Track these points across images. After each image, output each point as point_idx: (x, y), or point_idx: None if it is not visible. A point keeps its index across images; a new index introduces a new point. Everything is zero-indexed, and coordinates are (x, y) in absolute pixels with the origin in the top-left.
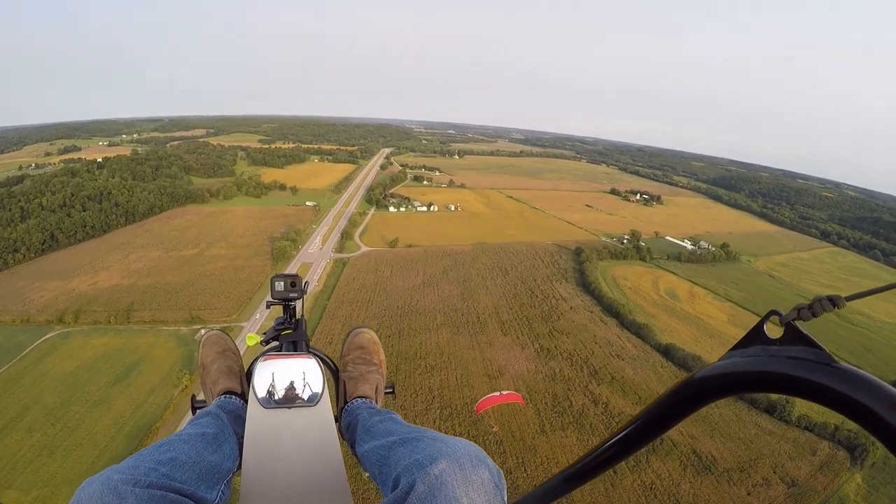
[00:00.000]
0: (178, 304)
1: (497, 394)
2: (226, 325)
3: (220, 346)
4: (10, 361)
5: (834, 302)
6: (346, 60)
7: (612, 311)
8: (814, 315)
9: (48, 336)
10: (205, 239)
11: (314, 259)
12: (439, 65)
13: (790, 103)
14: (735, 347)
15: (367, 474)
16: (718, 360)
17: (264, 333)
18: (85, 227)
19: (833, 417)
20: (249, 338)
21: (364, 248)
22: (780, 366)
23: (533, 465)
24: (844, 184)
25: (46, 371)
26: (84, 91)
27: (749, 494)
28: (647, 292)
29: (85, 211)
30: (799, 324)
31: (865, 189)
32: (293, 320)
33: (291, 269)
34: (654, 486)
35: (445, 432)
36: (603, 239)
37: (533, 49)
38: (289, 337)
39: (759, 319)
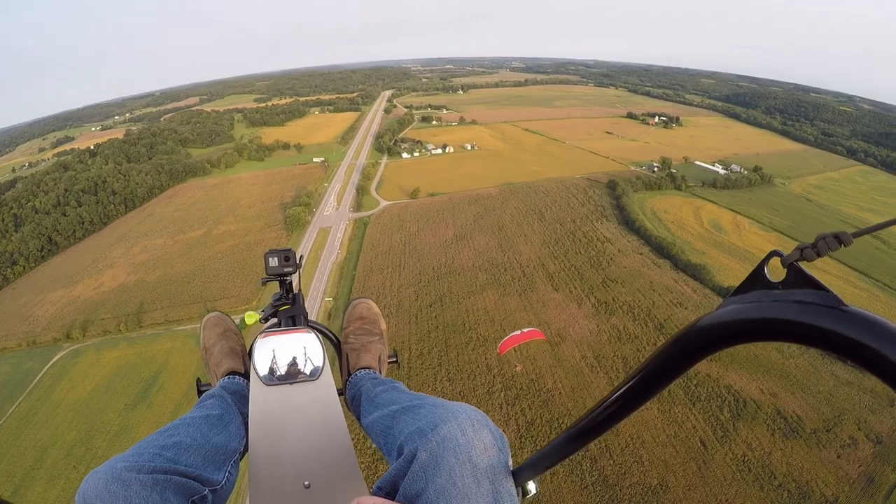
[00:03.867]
0: (190, 296)
1: (518, 332)
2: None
3: (221, 328)
4: (21, 395)
5: (840, 239)
6: (335, 4)
7: (662, 251)
8: (818, 254)
9: (57, 357)
10: (211, 216)
11: (332, 222)
12: None
13: (796, 12)
14: (734, 293)
15: (373, 445)
16: (717, 308)
17: (262, 311)
18: (83, 223)
19: None
20: (248, 316)
21: (384, 203)
22: (784, 311)
23: (618, 449)
24: (857, 97)
25: (60, 401)
26: (70, 79)
27: (839, 458)
28: (692, 225)
29: (81, 206)
30: (803, 265)
31: (879, 102)
32: (290, 295)
33: (308, 236)
34: (746, 459)
35: (517, 420)
36: (632, 168)
37: None
38: (287, 312)
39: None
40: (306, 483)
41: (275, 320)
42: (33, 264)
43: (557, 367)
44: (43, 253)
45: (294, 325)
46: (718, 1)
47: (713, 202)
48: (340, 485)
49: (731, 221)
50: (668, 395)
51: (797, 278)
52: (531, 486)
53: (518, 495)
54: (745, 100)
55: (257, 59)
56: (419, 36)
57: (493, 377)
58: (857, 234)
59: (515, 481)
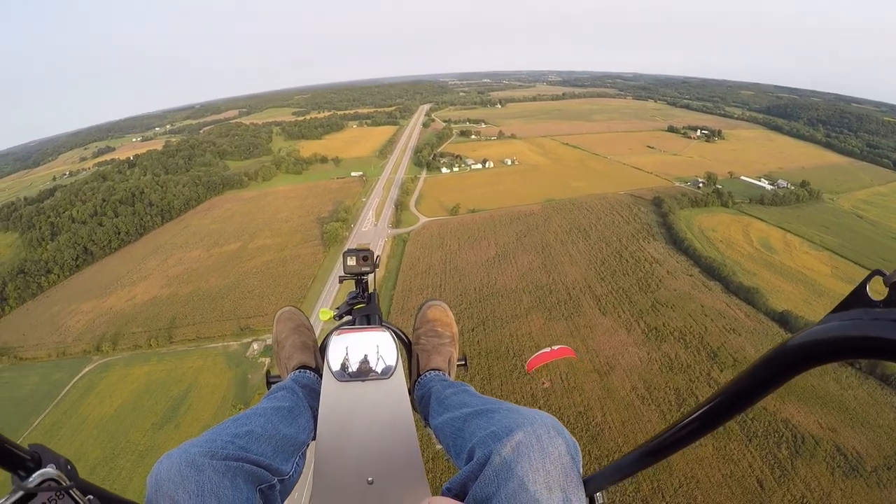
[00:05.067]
0: (223, 313)
1: (548, 349)
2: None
3: (294, 322)
4: (48, 407)
5: None
6: (371, 20)
7: (712, 272)
8: None
9: (86, 371)
10: (247, 229)
11: (370, 238)
12: (465, 11)
13: (830, 20)
14: (835, 310)
15: (438, 446)
16: (816, 325)
17: (337, 308)
18: (119, 234)
19: None
20: (323, 312)
21: (423, 219)
22: (885, 330)
23: (671, 489)
24: None
25: (86, 416)
26: (115, 91)
27: None
28: (741, 245)
29: (117, 217)
30: None
31: None
32: (366, 294)
33: None
34: (805, 501)
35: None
36: (677, 184)
37: None
38: (362, 311)
39: (860, 280)
40: (370, 479)
41: (349, 318)
42: (68, 273)
43: (607, 398)
44: (78, 262)
45: (369, 323)
46: (756, 12)
47: (762, 220)
48: (404, 483)
49: (781, 240)
50: (723, 431)
51: None
52: (599, 497)
53: None
54: (786, 111)
55: (296, 74)
56: (456, 50)
57: (539, 409)
58: None
59: (586, 491)
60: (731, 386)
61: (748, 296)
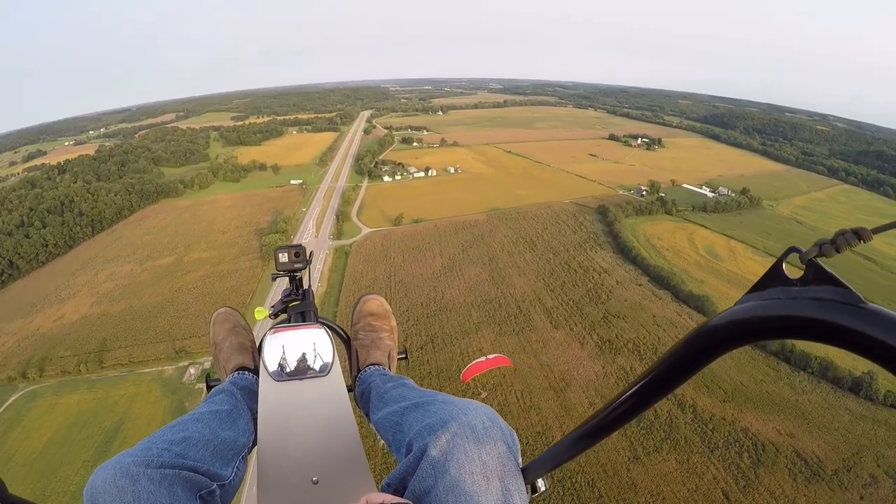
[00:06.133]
0: (157, 333)
1: (483, 359)
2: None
3: (231, 323)
4: None
5: (859, 235)
6: (310, 23)
7: (661, 281)
8: (837, 250)
9: (12, 400)
10: (182, 241)
11: (311, 250)
12: (406, 19)
13: (765, 32)
14: (752, 290)
15: (381, 442)
16: (734, 305)
17: (272, 306)
18: (46, 245)
19: None
20: (258, 311)
21: (365, 230)
22: (803, 308)
23: None
24: (831, 115)
25: (13, 453)
26: (47, 90)
27: (862, 499)
28: (687, 252)
29: (45, 227)
30: (822, 261)
31: (852, 120)
32: (300, 291)
33: None
34: None
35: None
36: (620, 192)
37: None
38: (297, 308)
39: (777, 258)
40: (314, 479)
41: (284, 316)
42: None
43: (565, 416)
44: (3, 278)
45: (304, 321)
46: (691, 26)
47: (705, 227)
48: (349, 480)
49: (725, 247)
50: (684, 443)
51: (816, 275)
52: (540, 484)
53: (528, 493)
54: (722, 120)
55: (236, 76)
56: (398, 55)
57: None
58: (876, 231)
59: (525, 478)
60: (656, 368)
61: (698, 304)
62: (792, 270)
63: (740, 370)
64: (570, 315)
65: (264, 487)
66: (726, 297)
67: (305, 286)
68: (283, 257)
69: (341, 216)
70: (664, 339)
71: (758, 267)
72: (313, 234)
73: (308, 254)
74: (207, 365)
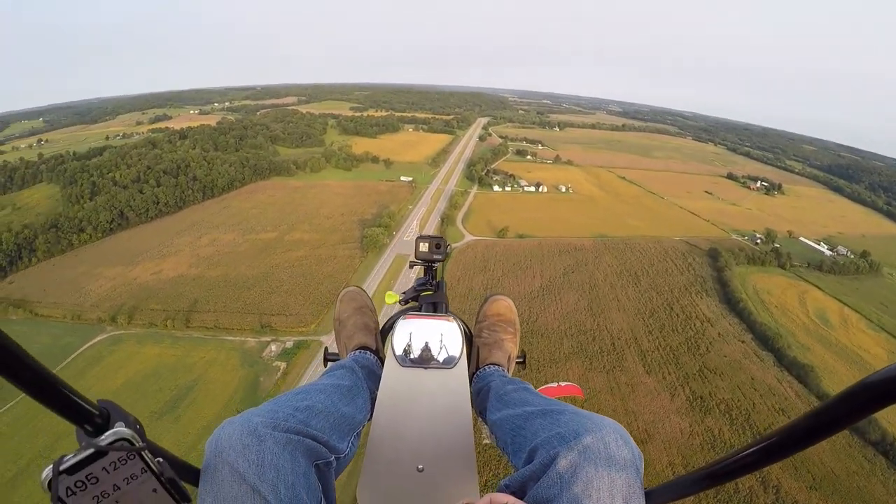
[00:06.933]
0: (247, 304)
1: (555, 384)
2: (299, 338)
3: (358, 303)
4: (53, 370)
5: None
6: (439, 27)
7: (766, 342)
8: None
9: (97, 339)
10: (287, 219)
11: (410, 249)
12: (532, 30)
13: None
14: None
15: (486, 441)
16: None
17: (403, 293)
18: (157, 203)
19: None
20: (388, 295)
21: (468, 237)
22: None
23: None
24: None
25: (88, 388)
26: (182, 61)
27: None
28: (796, 314)
29: (159, 186)
30: None
31: None
32: (434, 282)
33: (384, 261)
34: None
35: None
36: (734, 237)
37: (627, 16)
38: (429, 298)
39: None
40: (420, 466)
41: (414, 304)
42: (100, 235)
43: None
44: (112, 226)
45: (436, 311)
46: (824, 67)
47: (819, 288)
48: (453, 473)
49: (837, 313)
50: None
51: None
52: None
53: None
54: (847, 172)
55: (360, 69)
56: (518, 66)
57: None
58: None
59: (647, 503)
60: (803, 420)
61: (801, 373)
62: None
63: (834, 455)
64: (665, 362)
65: (371, 467)
66: (831, 371)
67: (440, 277)
68: (424, 247)
69: (446, 219)
70: (759, 407)
71: (870, 342)
72: (416, 233)
73: (448, 246)
74: (289, 345)
